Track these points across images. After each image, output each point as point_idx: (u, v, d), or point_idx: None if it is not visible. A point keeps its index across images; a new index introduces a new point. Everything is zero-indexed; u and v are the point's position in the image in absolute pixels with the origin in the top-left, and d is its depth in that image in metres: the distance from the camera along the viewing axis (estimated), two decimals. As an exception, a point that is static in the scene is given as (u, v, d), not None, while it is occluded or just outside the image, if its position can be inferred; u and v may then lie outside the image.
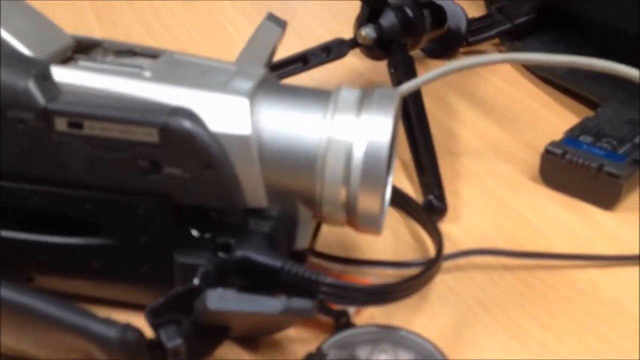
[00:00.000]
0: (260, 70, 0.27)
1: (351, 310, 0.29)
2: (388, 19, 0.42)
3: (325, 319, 0.29)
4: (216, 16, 0.57)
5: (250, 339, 0.29)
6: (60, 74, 0.26)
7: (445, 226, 0.35)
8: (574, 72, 0.45)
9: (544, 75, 0.47)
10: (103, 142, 0.25)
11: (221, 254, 0.26)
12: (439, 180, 0.36)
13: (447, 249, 0.32)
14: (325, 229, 0.31)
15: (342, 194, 0.26)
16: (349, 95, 0.27)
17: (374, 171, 0.26)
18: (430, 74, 0.38)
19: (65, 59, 0.27)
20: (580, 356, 0.29)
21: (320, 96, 0.27)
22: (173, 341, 0.24)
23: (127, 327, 0.24)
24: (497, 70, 0.49)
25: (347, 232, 0.30)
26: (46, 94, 0.25)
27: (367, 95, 0.27)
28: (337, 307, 0.28)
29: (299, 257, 0.28)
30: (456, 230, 0.35)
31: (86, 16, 0.56)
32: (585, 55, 0.38)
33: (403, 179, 0.38)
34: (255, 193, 0.26)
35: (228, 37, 0.54)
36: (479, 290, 0.32)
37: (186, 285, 0.25)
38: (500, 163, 0.40)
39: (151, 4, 0.58)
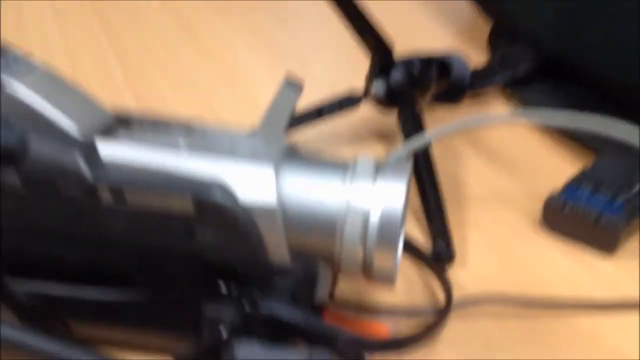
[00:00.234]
0: (282, 137, 0.30)
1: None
2: (396, 75, 0.45)
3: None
4: (233, 66, 0.59)
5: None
6: (105, 149, 0.28)
7: (454, 271, 0.37)
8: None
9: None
10: (143, 212, 0.27)
11: (247, 309, 0.28)
12: (447, 231, 0.38)
13: (455, 292, 0.34)
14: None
15: (360, 253, 0.28)
16: (366, 163, 0.29)
17: (389, 234, 0.28)
18: (438, 130, 0.40)
19: (107, 133, 0.29)
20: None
21: (339, 164, 0.29)
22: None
23: None
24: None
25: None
26: (94, 171, 0.27)
27: (381, 164, 0.29)
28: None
29: (320, 307, 0.30)
30: (464, 275, 0.37)
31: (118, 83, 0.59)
32: (585, 103, 0.40)
33: (412, 222, 0.41)
34: (279, 254, 0.28)
35: (246, 88, 0.56)
36: (485, 335, 0.34)
37: (214, 338, 0.28)
38: (504, 210, 0.42)
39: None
